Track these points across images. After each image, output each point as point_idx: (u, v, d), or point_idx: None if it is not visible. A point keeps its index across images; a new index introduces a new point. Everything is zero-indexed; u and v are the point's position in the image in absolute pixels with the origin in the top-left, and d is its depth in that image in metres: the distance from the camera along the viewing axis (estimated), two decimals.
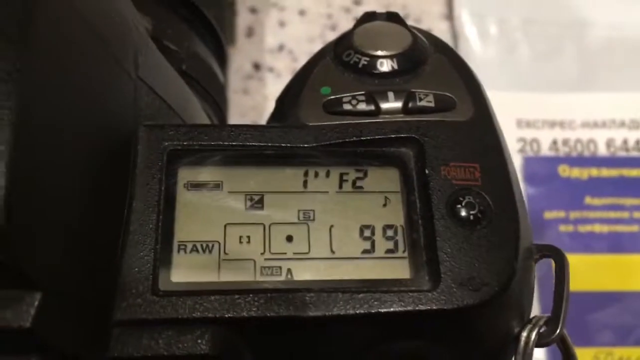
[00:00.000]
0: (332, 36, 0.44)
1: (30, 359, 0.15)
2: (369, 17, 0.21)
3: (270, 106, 0.22)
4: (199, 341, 0.16)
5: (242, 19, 0.43)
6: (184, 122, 0.21)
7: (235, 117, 0.40)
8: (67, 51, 0.17)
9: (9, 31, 0.15)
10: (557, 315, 0.19)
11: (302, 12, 0.44)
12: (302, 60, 0.42)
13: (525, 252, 0.19)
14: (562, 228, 0.38)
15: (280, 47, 0.43)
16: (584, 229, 0.39)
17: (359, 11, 0.43)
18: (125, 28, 0.19)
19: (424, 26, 0.44)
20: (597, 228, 0.39)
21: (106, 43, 0.18)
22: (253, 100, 0.41)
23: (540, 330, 0.19)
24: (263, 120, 0.42)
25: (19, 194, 0.14)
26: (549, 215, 0.38)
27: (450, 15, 0.44)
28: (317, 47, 0.42)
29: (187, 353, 0.16)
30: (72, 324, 0.16)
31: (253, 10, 0.44)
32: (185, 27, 0.27)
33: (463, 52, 0.41)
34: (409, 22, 0.46)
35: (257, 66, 0.42)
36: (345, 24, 0.43)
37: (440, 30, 0.44)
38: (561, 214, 0.38)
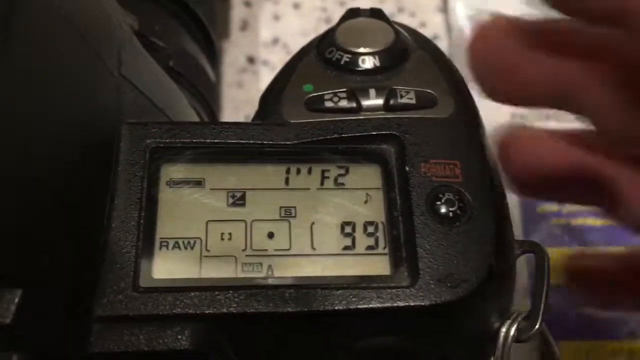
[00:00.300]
0: (325, 29, 0.44)
1: (10, 356, 0.15)
2: (353, 13, 0.21)
3: None
4: (179, 337, 0.17)
5: (237, 12, 0.43)
6: (170, 119, 0.22)
7: (229, 111, 0.41)
8: (47, 47, 0.17)
9: None
10: (536, 311, 0.19)
11: (296, 6, 0.44)
12: None
13: (505, 248, 0.19)
14: (555, 221, 0.38)
15: (275, 41, 0.43)
16: (577, 222, 0.39)
17: (354, 4, 0.43)
18: (108, 25, 0.20)
19: (418, 19, 0.44)
20: (591, 221, 0.39)
21: (88, 40, 0.18)
22: (247, 94, 0.41)
23: (519, 326, 0.19)
24: None
25: None
26: (541, 209, 0.38)
27: (444, 8, 0.44)
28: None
29: (167, 348, 0.16)
30: (52, 320, 0.16)
31: (247, 4, 0.44)
32: (174, 23, 0.27)
33: (458, 45, 0.41)
34: (404, 16, 0.46)
35: (251, 60, 0.42)
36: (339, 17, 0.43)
37: (435, 23, 0.44)
38: (554, 207, 0.38)
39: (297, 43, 0.42)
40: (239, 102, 0.41)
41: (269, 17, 0.44)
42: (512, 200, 0.38)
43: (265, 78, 0.42)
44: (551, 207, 0.39)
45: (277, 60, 0.42)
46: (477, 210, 0.18)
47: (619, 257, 0.27)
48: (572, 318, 0.36)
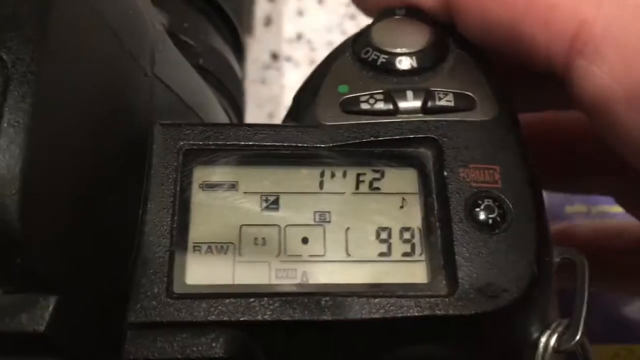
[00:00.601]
0: (351, 25, 0.44)
1: None
2: (388, 12, 0.21)
3: (288, 96, 0.21)
4: (214, 344, 0.16)
5: (260, 8, 0.43)
6: (201, 119, 0.21)
7: (252, 108, 0.40)
8: (83, 50, 0.16)
9: (27, 30, 0.15)
10: (576, 321, 0.18)
11: (320, 1, 0.44)
12: (321, 50, 0.42)
13: (546, 256, 0.18)
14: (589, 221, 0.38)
15: (299, 37, 0.43)
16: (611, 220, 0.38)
17: None
18: (141, 24, 0.19)
19: None
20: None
21: (122, 40, 0.18)
22: (271, 90, 0.41)
23: (559, 336, 0.18)
24: (281, 110, 0.41)
25: (34, 197, 0.14)
26: (570, 210, 0.38)
27: None
28: (336, 36, 0.42)
29: (201, 356, 0.16)
30: (86, 327, 0.16)
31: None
32: (202, 20, 0.27)
33: None
34: None
35: (275, 56, 0.42)
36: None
37: None
38: (583, 208, 0.38)
39: (321, 39, 0.42)
40: (263, 99, 0.41)
41: (292, 12, 0.43)
42: None
43: (289, 74, 0.41)
44: (580, 207, 0.38)
45: (301, 56, 0.42)
46: (517, 217, 0.18)
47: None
48: (599, 321, 0.36)
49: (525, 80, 0.21)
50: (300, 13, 0.43)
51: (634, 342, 0.35)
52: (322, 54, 0.21)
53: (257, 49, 0.42)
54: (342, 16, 0.43)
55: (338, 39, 0.42)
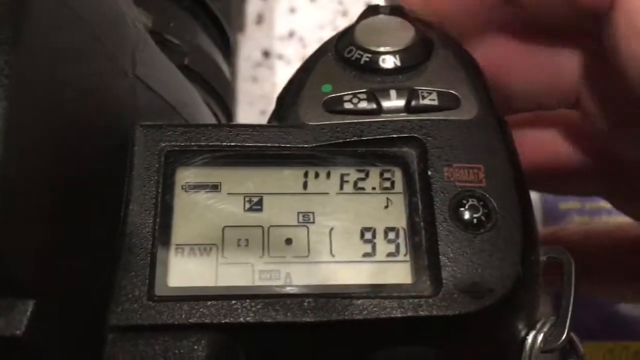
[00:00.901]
0: (343, 22, 0.43)
1: None
2: (372, 10, 0.21)
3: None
4: (196, 347, 0.16)
5: (252, 5, 0.43)
6: (185, 119, 0.21)
7: (244, 106, 0.40)
8: (60, 52, 0.16)
9: (1, 33, 0.15)
10: (563, 319, 0.18)
11: None
12: (313, 47, 0.42)
13: (532, 255, 0.18)
14: (578, 219, 0.38)
15: (291, 34, 0.42)
16: (599, 219, 0.38)
17: None
18: (121, 25, 0.19)
19: None
20: (614, 219, 0.38)
21: (101, 40, 0.18)
22: (262, 88, 0.41)
23: (546, 335, 0.18)
24: (272, 108, 0.41)
25: (11, 202, 0.14)
26: (564, 206, 0.38)
27: None
28: (328, 33, 0.42)
29: (183, 359, 0.16)
30: (65, 331, 0.16)
31: None
32: (189, 19, 0.26)
33: None
34: None
35: (266, 53, 0.42)
36: (357, 10, 0.42)
37: None
38: (577, 205, 0.38)
39: (313, 37, 0.42)
40: (254, 97, 0.41)
41: (284, 10, 0.43)
42: (533, 196, 0.38)
43: (281, 72, 0.41)
44: (574, 204, 0.38)
45: (293, 54, 0.42)
46: (502, 217, 0.18)
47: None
48: (594, 317, 0.35)
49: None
50: (292, 10, 0.43)
51: (629, 338, 0.35)
52: None
53: (248, 46, 0.42)
54: (334, 13, 0.43)
55: (330, 36, 0.42)
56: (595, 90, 0.22)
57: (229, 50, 0.30)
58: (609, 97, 0.22)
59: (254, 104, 0.40)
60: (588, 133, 0.24)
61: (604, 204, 0.38)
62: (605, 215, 0.38)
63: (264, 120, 0.40)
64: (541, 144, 0.26)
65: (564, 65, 0.22)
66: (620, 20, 0.18)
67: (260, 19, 0.43)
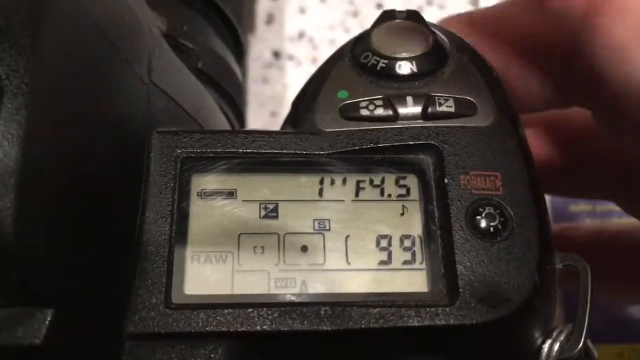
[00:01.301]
0: (353, 23, 0.43)
1: None
2: (388, 15, 0.21)
3: (290, 95, 0.21)
4: (212, 355, 0.16)
5: (262, 6, 0.42)
6: (199, 125, 0.21)
7: (254, 107, 0.40)
8: (77, 59, 0.16)
9: (20, 41, 0.15)
10: (579, 328, 0.18)
11: None
12: (323, 48, 0.42)
13: (548, 264, 0.18)
14: (589, 222, 0.38)
15: (301, 35, 0.42)
16: (611, 222, 0.38)
17: None
18: (138, 31, 0.19)
19: (447, 12, 0.43)
20: (625, 222, 0.38)
21: (118, 47, 0.18)
22: (272, 89, 0.41)
23: (563, 343, 0.18)
24: (283, 109, 0.41)
25: (28, 211, 0.14)
26: (575, 208, 0.37)
27: (475, 1, 0.43)
28: (338, 34, 0.42)
29: None
30: (83, 339, 0.16)
31: None
32: (202, 22, 0.26)
33: None
34: (433, 9, 0.45)
35: (276, 54, 0.42)
36: (367, 11, 0.42)
37: None
38: (588, 207, 0.37)
39: (324, 37, 0.42)
40: (265, 98, 0.41)
41: (294, 10, 0.43)
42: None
43: (291, 73, 0.41)
44: (585, 206, 0.38)
45: (303, 54, 0.42)
46: (519, 225, 0.18)
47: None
48: (603, 320, 0.35)
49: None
50: (302, 11, 0.43)
51: (638, 341, 0.35)
52: (324, 53, 0.21)
53: (258, 47, 0.41)
54: (345, 14, 0.43)
55: (340, 37, 0.42)
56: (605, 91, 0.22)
57: (241, 52, 0.30)
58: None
59: (265, 105, 0.40)
60: (600, 135, 0.24)
61: (615, 206, 0.38)
62: (616, 218, 0.37)
63: (274, 121, 0.40)
64: (553, 146, 0.26)
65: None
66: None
67: (270, 19, 0.43)
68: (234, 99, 0.26)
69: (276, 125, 0.23)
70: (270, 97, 0.40)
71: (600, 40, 0.19)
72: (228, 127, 0.26)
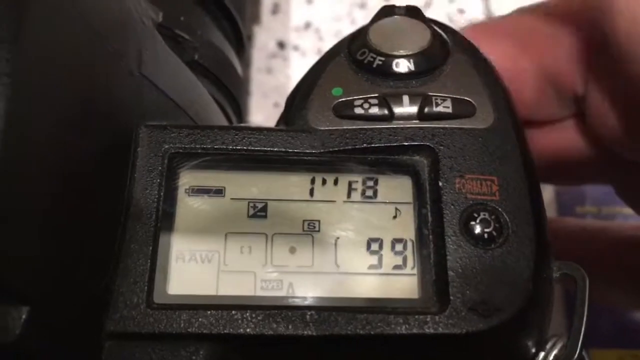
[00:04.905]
0: (360, 14, 0.42)
1: None
2: (387, 11, 0.20)
3: (293, 86, 0.21)
4: (194, 357, 0.16)
5: None
6: (192, 119, 0.21)
7: (257, 98, 0.40)
8: (61, 50, 0.16)
9: (1, 31, 0.14)
10: (575, 338, 0.18)
11: None
12: (329, 40, 0.41)
13: (544, 273, 0.17)
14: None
15: (307, 25, 0.42)
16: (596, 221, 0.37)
17: None
18: (128, 22, 0.18)
19: (456, 5, 0.42)
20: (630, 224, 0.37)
21: (105, 39, 0.17)
22: (276, 80, 0.40)
23: (557, 356, 0.18)
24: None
25: (5, 207, 0.14)
26: (580, 210, 0.37)
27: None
28: (345, 25, 0.41)
29: None
30: (61, 337, 0.15)
31: None
32: (200, 13, 0.26)
33: None
34: (443, 0, 0.44)
35: (281, 44, 0.41)
36: (374, 2, 0.42)
37: (475, 10, 0.42)
38: (593, 209, 0.37)
39: (330, 28, 0.41)
40: (268, 89, 0.40)
41: (301, 0, 0.42)
42: (548, 197, 0.37)
43: (296, 64, 0.41)
44: (591, 208, 0.37)
45: (309, 45, 0.41)
46: (515, 232, 0.17)
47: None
48: (606, 325, 0.35)
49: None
50: (308, 1, 0.42)
51: (639, 347, 0.35)
52: (330, 44, 0.20)
53: (263, 37, 0.41)
54: (351, 5, 0.42)
55: (347, 29, 0.41)
56: (600, 93, 0.22)
57: (241, 45, 0.29)
58: (614, 101, 0.21)
59: (268, 95, 0.40)
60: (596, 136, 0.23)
61: (621, 208, 0.37)
62: (621, 220, 0.37)
63: (277, 112, 0.40)
64: (550, 139, 0.25)
65: (569, 68, 0.22)
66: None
67: (276, 9, 0.42)
68: (232, 92, 0.26)
69: (278, 116, 0.22)
70: (274, 88, 0.40)
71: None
72: (225, 122, 0.25)
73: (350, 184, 0.18)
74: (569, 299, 0.33)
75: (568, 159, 0.25)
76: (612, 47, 0.20)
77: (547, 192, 0.38)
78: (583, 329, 0.18)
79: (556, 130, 0.25)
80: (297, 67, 0.40)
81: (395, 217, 0.18)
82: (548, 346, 0.18)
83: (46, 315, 0.15)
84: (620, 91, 0.21)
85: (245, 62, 0.32)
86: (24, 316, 0.14)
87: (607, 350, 0.34)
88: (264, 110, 0.39)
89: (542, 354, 0.17)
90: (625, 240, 0.27)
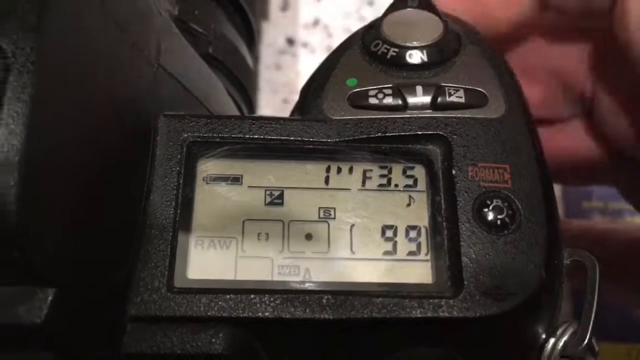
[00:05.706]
0: (369, 11, 0.43)
1: (40, 356, 0.15)
2: (401, 3, 0.20)
3: (302, 83, 0.21)
4: (213, 340, 0.16)
5: None
6: (208, 109, 0.21)
7: (266, 94, 0.40)
8: (84, 40, 0.16)
9: (27, 19, 0.15)
10: (585, 325, 0.18)
11: None
12: (338, 36, 0.42)
13: (556, 259, 0.18)
14: (600, 219, 0.37)
15: (316, 22, 0.42)
16: (624, 220, 0.37)
17: None
18: (146, 14, 0.19)
19: None
20: (638, 220, 0.37)
21: (126, 30, 0.18)
22: (286, 76, 0.41)
23: (567, 341, 0.18)
24: (295, 96, 0.41)
25: (32, 189, 0.14)
26: (587, 205, 0.37)
27: None
28: (354, 22, 0.42)
29: (200, 352, 0.16)
30: (84, 320, 0.16)
31: None
32: (214, 7, 0.26)
33: None
34: None
35: (290, 41, 0.42)
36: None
37: None
38: (600, 204, 0.37)
39: (339, 25, 0.42)
40: (277, 85, 0.40)
41: None
42: (556, 193, 0.37)
43: (305, 60, 0.41)
44: (597, 203, 0.37)
45: (318, 42, 0.41)
46: (527, 219, 0.17)
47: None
48: (614, 320, 0.35)
49: None
50: None
51: None
52: (338, 40, 0.21)
53: (272, 33, 0.41)
54: (360, 2, 0.43)
55: (355, 26, 0.41)
56: (608, 93, 0.22)
57: (252, 39, 0.30)
58: (622, 101, 0.22)
59: (277, 92, 0.40)
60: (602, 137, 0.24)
61: (627, 205, 0.37)
62: (628, 216, 0.37)
63: (286, 108, 0.40)
64: (556, 138, 0.25)
65: (578, 68, 0.22)
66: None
67: (285, 6, 0.42)
68: (243, 85, 0.26)
69: (287, 112, 0.22)
70: (283, 84, 0.40)
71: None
72: (237, 113, 0.25)
73: (364, 172, 0.18)
74: (577, 291, 0.33)
75: (574, 159, 0.25)
76: (621, 48, 0.20)
77: (554, 187, 0.38)
78: (593, 314, 0.18)
79: (562, 129, 0.26)
80: (306, 64, 0.41)
81: (409, 204, 0.18)
82: (558, 332, 0.18)
83: (71, 298, 0.15)
84: (629, 91, 0.21)
85: (255, 58, 0.32)
86: (50, 298, 0.14)
87: (616, 344, 0.34)
88: (272, 106, 0.40)
89: (552, 340, 0.18)
90: (633, 242, 0.27)
